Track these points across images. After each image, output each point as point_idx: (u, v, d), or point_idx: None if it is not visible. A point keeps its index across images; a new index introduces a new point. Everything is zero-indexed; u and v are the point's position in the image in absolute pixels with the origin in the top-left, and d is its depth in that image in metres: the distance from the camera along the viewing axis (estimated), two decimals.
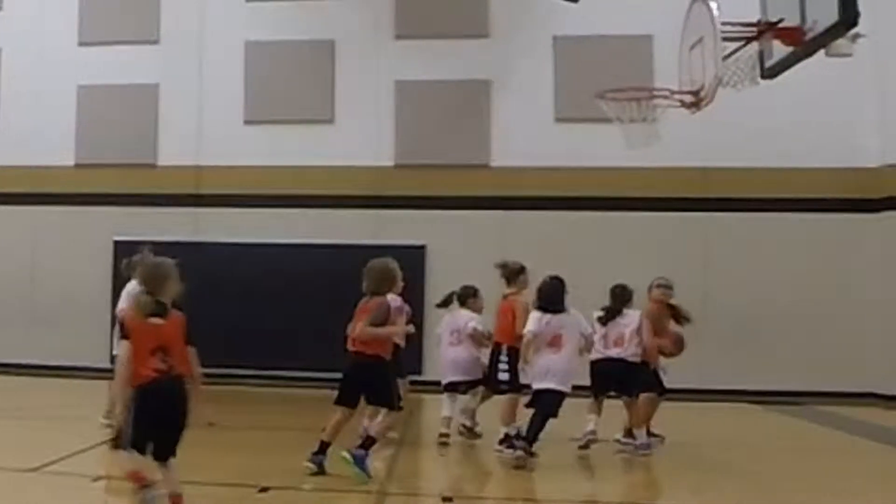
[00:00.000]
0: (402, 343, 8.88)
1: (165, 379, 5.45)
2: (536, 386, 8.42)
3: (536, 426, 8.26)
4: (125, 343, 5.48)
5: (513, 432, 8.74)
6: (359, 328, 7.38)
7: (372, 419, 8.67)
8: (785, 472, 8.44)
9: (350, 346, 7.54)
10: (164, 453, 5.49)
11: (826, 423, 11.81)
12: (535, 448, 8.22)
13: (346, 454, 7.22)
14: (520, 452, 8.14)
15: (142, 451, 5.44)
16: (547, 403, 8.28)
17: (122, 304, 10.04)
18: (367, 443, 7.32)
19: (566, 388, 8.35)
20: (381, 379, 7.44)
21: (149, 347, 5.46)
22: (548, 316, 8.46)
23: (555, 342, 8.39)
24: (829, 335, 13.83)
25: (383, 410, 7.78)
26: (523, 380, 8.78)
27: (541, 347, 8.42)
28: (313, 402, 13.28)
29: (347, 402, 7.47)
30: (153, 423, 5.42)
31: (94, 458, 7.61)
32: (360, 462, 7.20)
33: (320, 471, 7.29)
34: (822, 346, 13.76)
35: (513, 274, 9.26)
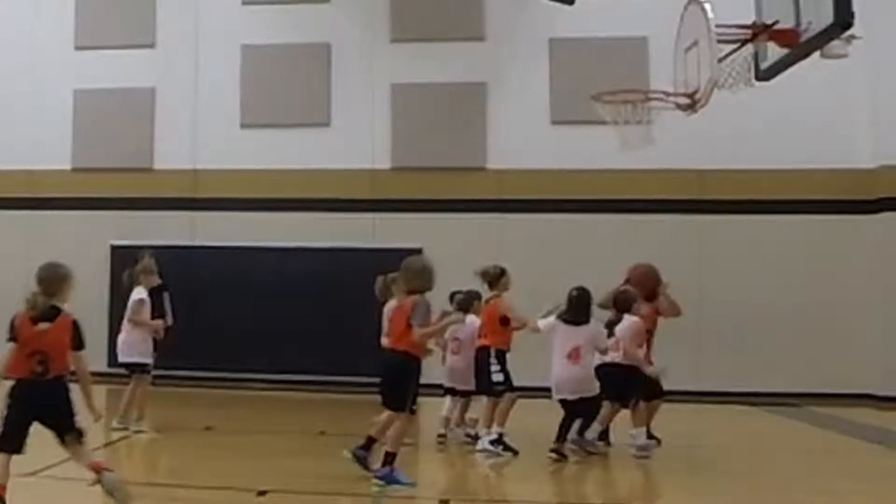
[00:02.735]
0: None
1: (38, 381, 5.80)
2: (556, 396, 8.71)
3: (562, 428, 8.59)
4: (11, 345, 5.89)
5: (487, 435, 8.90)
6: (415, 334, 7.21)
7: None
8: (781, 472, 8.47)
9: (384, 344, 7.44)
10: (62, 434, 5.84)
11: (822, 425, 11.82)
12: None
13: (376, 482, 7.13)
14: (553, 456, 8.42)
15: (17, 451, 5.76)
16: (572, 410, 8.61)
17: (129, 313, 10.00)
18: (388, 459, 7.19)
19: (588, 394, 8.65)
20: (400, 377, 7.29)
21: (28, 350, 5.84)
22: (570, 329, 8.69)
23: (574, 355, 8.63)
24: (825, 336, 13.82)
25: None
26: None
27: (557, 355, 8.66)
28: (312, 405, 13.35)
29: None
30: (22, 421, 5.78)
31: None
32: (391, 481, 7.10)
33: (363, 465, 7.30)
34: (817, 348, 13.76)
35: (494, 278, 9.38)
